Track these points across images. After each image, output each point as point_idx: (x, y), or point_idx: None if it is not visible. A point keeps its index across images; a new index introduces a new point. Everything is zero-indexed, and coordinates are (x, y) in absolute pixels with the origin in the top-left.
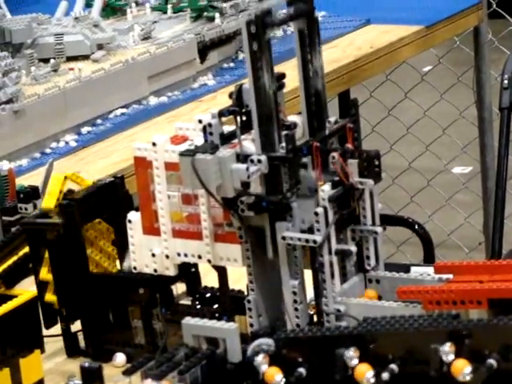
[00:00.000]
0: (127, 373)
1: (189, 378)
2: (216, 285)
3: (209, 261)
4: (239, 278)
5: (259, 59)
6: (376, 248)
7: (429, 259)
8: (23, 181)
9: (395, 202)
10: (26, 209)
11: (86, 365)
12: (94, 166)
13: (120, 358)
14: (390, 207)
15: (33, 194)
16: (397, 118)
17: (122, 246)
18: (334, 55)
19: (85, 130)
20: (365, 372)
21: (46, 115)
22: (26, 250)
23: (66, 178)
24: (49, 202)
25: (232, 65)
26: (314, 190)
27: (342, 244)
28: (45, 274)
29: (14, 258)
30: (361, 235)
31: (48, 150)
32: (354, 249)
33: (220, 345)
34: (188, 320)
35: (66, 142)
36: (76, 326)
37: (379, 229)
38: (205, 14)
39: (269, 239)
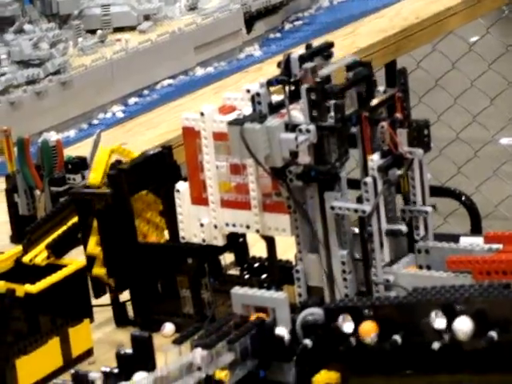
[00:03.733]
0: (177, 342)
1: (238, 348)
2: (264, 255)
3: (257, 231)
4: (287, 249)
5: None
6: (426, 223)
7: (476, 230)
8: (71, 152)
9: (442, 173)
10: (74, 179)
11: (137, 334)
12: (141, 136)
13: (168, 327)
14: (437, 178)
15: (81, 164)
16: (444, 89)
17: (170, 216)
18: (380, 25)
19: (132, 101)
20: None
21: (93, 86)
22: (75, 220)
23: (112, 151)
24: (95, 177)
25: (278, 35)
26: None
27: (392, 224)
28: (92, 246)
29: (63, 228)
30: (411, 215)
31: (95, 121)
32: (404, 229)
33: (269, 314)
34: (237, 289)
35: (113, 113)
36: (125, 295)
37: (429, 208)
38: None
39: (317, 209)
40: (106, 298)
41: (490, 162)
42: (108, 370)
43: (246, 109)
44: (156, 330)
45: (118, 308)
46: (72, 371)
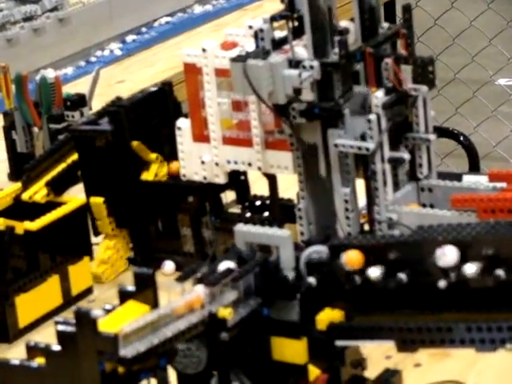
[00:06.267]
0: (180, 279)
1: (242, 285)
2: (265, 193)
3: (259, 168)
4: (289, 187)
5: None
6: (429, 156)
7: (474, 170)
8: (69, 89)
9: (440, 113)
10: (73, 116)
11: (139, 270)
12: (139, 74)
13: (169, 266)
14: (435, 119)
15: (79, 101)
16: (443, 28)
17: (170, 153)
18: None
19: (129, 38)
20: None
21: (90, 23)
22: (75, 157)
23: None
24: None
25: None
26: (368, 107)
27: (395, 152)
28: None
29: (63, 166)
30: (414, 143)
31: (93, 59)
32: (406, 156)
33: (273, 252)
34: (240, 227)
35: (111, 51)
36: None
37: (432, 136)
38: None
39: (320, 147)
40: None
41: (489, 103)
42: (110, 307)
43: (248, 45)
44: (156, 268)
45: None
46: (74, 308)
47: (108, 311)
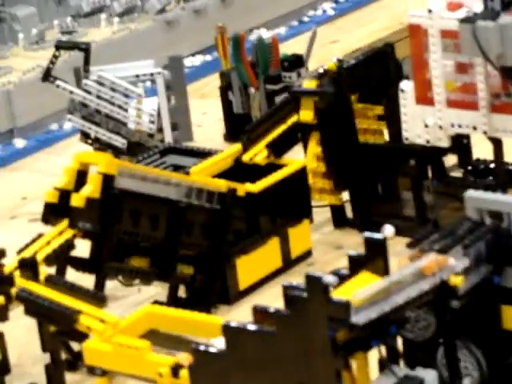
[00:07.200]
0: (411, 245)
1: (473, 253)
2: (487, 157)
3: (484, 132)
4: None
5: None
6: None
7: None
8: (282, 49)
9: None
10: (289, 77)
11: (371, 236)
12: (353, 34)
13: (388, 229)
14: None
15: (297, 62)
16: None
17: (391, 116)
18: None
19: None
20: None
21: None
22: (294, 118)
23: None
24: None
25: None
26: None
27: None
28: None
29: (283, 127)
30: None
31: (306, 19)
32: None
33: (504, 219)
34: (471, 193)
35: (324, 10)
36: (343, 196)
37: None
38: None
39: None
40: None
41: None
42: (341, 273)
43: (476, 6)
44: (375, 231)
45: (336, 209)
46: (302, 273)
47: (339, 278)
